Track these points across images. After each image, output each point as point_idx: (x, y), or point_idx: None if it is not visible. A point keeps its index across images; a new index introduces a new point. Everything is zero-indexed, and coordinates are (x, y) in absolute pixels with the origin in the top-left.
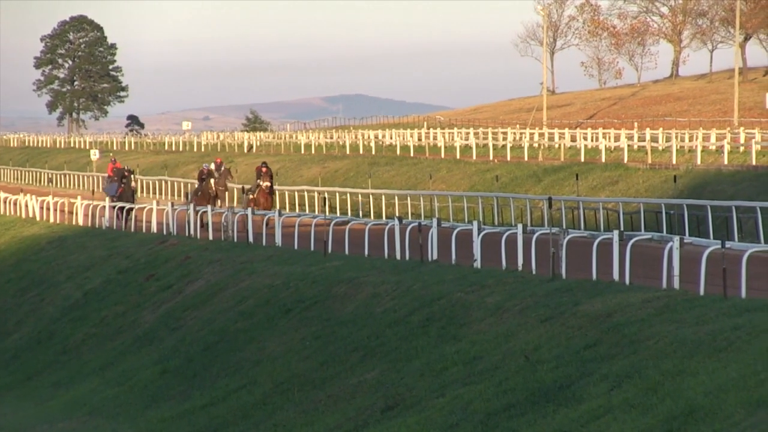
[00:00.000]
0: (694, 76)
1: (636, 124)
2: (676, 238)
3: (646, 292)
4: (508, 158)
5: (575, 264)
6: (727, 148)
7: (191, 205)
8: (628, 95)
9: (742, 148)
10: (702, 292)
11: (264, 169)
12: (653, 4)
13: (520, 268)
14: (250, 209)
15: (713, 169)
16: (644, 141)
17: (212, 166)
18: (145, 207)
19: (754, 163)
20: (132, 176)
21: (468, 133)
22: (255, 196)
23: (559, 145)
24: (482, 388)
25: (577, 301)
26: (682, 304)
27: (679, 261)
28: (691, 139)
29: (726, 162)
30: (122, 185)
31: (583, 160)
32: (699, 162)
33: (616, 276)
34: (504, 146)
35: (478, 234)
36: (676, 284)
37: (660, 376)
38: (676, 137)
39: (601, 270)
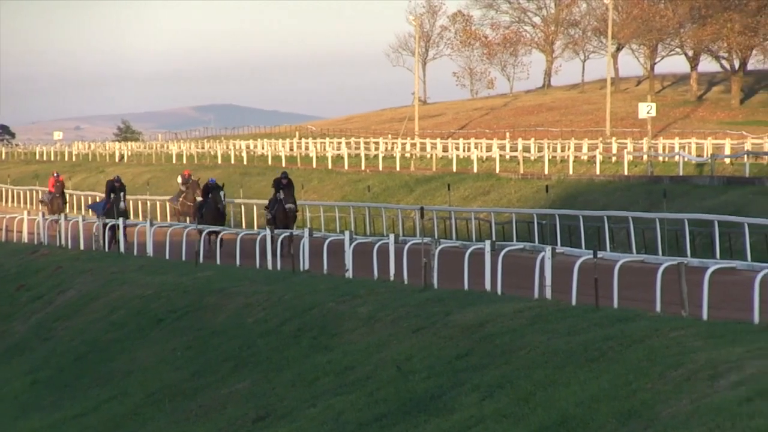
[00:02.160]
0: (567, 86)
1: (508, 134)
2: (548, 248)
3: (518, 303)
4: (380, 168)
5: (447, 274)
6: (599, 158)
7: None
8: (501, 105)
9: (614, 159)
10: (574, 302)
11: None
12: (525, 14)
13: (392, 278)
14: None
15: (585, 179)
16: (516, 151)
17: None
18: (16, 217)
19: (626, 173)
20: (123, 192)
21: (340, 143)
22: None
23: (431, 155)
24: (354, 398)
25: (449, 312)
26: (554, 314)
27: (551, 271)
28: (563, 150)
29: (598, 172)
30: (110, 201)
31: (455, 170)
32: (571, 172)
33: (488, 286)
34: (376, 156)
35: (350, 244)
36: (548, 294)
37: (532, 386)
38: (549, 147)
39: (473, 280)
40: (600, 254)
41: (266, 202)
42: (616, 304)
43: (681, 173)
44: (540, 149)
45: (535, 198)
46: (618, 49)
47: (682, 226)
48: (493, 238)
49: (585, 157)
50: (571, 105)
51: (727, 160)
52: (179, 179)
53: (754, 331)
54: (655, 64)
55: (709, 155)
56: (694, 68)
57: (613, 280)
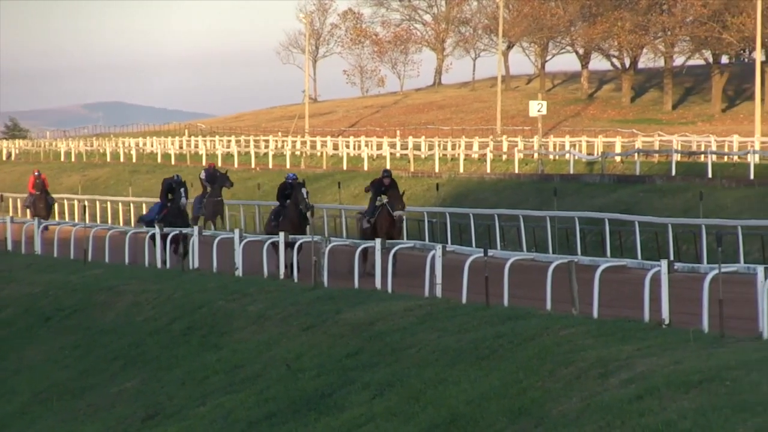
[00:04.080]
0: (457, 84)
1: (398, 132)
2: (439, 247)
3: (409, 301)
4: (270, 166)
5: (337, 272)
6: (489, 156)
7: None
8: (391, 103)
9: (504, 157)
10: (464, 300)
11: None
12: (416, 12)
13: (282, 277)
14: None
15: (476, 177)
16: (407, 149)
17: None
18: None
19: (516, 171)
20: (183, 188)
21: (230, 141)
22: None
23: (322, 153)
24: (244, 396)
25: (340, 310)
26: (445, 313)
27: (441, 269)
28: (453, 148)
29: (489, 170)
30: (169, 203)
31: (345, 168)
32: (462, 170)
33: (378, 284)
34: (266, 154)
35: (240, 242)
36: (439, 292)
37: (422, 384)
38: (439, 146)
39: (364, 278)
40: (490, 252)
41: (156, 200)
42: (506, 303)
43: (572, 171)
44: (431, 147)
45: (425, 196)
46: (509, 47)
47: (572, 224)
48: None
49: (476, 156)
50: (462, 103)
51: (618, 159)
52: (202, 175)
53: (644, 329)
54: (546, 62)
55: (599, 153)
56: (585, 66)
57: (503, 278)
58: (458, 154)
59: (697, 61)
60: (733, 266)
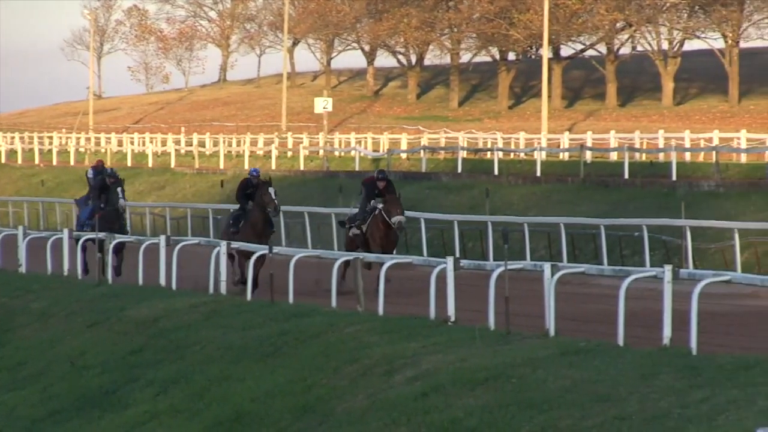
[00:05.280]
0: (243, 81)
1: (183, 128)
2: (223, 244)
3: (193, 297)
4: (54, 163)
5: (124, 269)
6: (274, 153)
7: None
8: (176, 100)
9: (290, 154)
10: (249, 297)
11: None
12: (201, 8)
13: (66, 273)
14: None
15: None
16: (191, 146)
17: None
18: None
19: (302, 168)
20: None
21: (13, 138)
22: None
23: (106, 149)
24: (26, 394)
25: (124, 307)
26: (230, 310)
27: (226, 266)
28: (239, 144)
29: (273, 167)
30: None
31: (130, 164)
32: (246, 167)
33: (162, 281)
34: (50, 151)
35: (24, 239)
36: (224, 290)
37: (207, 381)
38: (224, 142)
39: (149, 275)
40: (275, 249)
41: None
42: (291, 300)
43: (357, 168)
44: (215, 144)
45: (210, 193)
46: (294, 44)
47: None
48: (168, 233)
49: (261, 152)
50: (247, 100)
51: (404, 156)
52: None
53: (429, 326)
54: (331, 59)
55: (385, 150)
56: (371, 63)
57: (288, 274)
58: (243, 151)
59: (484, 58)
60: (519, 263)
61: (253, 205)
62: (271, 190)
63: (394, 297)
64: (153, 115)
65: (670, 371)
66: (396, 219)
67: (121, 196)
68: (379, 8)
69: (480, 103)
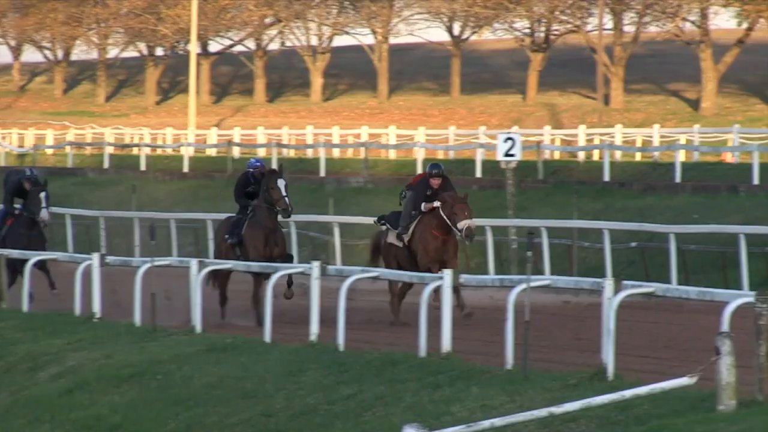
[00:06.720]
0: None
1: None
2: None
3: None
4: None
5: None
6: None
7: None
8: None
9: None
10: None
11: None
12: None
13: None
14: None
15: None
16: None
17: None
18: None
19: None
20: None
21: None
22: None
23: None
24: None
25: None
26: None
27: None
28: None
29: None
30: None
31: None
32: None
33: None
34: None
35: None
36: None
37: None
38: None
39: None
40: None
41: None
42: None
43: (3, 164)
44: None
45: None
46: None
47: None
48: None
49: None
50: None
51: (50, 151)
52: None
53: (75, 322)
54: None
55: (31, 146)
56: (17, 58)
57: None
58: None
59: (132, 53)
60: (166, 259)
61: (256, 206)
62: (280, 182)
63: (43, 294)
64: None
65: (317, 367)
66: (463, 223)
67: (44, 204)
68: (25, 3)
69: (127, 98)
